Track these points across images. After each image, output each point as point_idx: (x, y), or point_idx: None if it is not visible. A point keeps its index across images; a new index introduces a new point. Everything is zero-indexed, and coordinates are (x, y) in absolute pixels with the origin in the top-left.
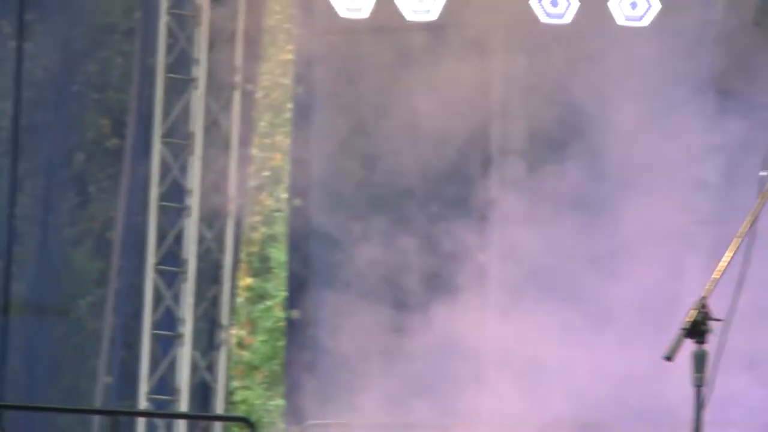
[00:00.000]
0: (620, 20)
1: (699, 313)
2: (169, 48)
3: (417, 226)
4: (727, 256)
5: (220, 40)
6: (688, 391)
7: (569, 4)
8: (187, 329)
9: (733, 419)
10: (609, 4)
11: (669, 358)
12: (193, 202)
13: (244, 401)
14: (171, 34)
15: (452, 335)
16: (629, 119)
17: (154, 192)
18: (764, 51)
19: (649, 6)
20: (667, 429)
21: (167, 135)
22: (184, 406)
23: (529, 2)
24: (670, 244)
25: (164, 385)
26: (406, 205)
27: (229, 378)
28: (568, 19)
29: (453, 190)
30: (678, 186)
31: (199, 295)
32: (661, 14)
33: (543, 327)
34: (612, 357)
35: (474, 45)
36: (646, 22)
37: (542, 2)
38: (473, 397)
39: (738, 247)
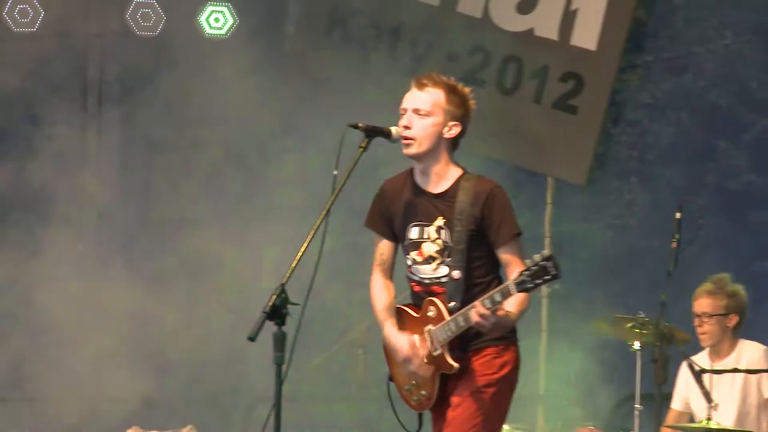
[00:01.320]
0: (207, 32)
1: (278, 297)
2: None
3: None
4: (304, 246)
5: None
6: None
7: (156, 17)
8: None
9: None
10: (199, 18)
11: (252, 339)
12: None
13: None
14: None
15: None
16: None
17: None
18: (333, 65)
19: (229, 20)
20: (247, 402)
21: None
22: None
23: (127, 16)
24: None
25: None
26: None
27: None
28: (156, 30)
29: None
30: (257, 180)
31: None
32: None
33: (123, 294)
34: (194, 332)
35: (74, 51)
36: (227, 34)
37: (129, 16)
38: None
39: (313, 239)
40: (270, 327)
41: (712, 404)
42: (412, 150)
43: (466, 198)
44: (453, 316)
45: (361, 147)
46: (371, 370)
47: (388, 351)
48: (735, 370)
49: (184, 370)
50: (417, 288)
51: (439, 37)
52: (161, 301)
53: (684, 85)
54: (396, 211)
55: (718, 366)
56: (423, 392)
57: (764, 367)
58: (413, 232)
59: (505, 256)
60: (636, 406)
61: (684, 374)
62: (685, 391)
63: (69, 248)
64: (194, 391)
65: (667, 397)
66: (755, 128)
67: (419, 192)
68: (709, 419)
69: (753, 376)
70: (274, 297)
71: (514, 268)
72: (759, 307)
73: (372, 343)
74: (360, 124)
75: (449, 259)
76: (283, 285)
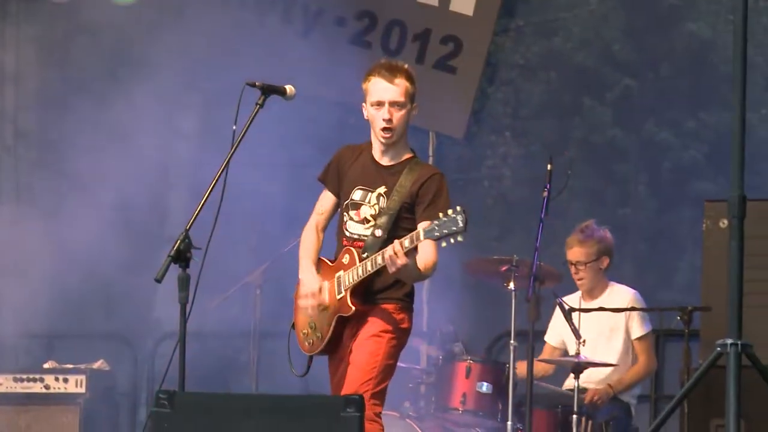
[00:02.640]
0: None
1: (182, 242)
2: None
3: None
4: (205, 195)
5: None
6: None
7: None
8: None
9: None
10: None
11: (158, 280)
12: None
13: None
14: None
15: None
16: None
17: None
18: (230, 27)
19: None
20: (155, 338)
21: None
22: None
23: None
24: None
25: None
26: None
27: None
28: None
29: None
30: (161, 135)
31: None
32: None
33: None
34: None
35: None
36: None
37: None
38: None
39: (213, 188)
40: (175, 269)
41: (581, 340)
42: (393, 140)
43: (411, 175)
44: (365, 260)
45: (257, 104)
46: (267, 308)
47: (296, 298)
48: (601, 309)
49: (95, 308)
50: (345, 242)
51: (329, 3)
52: (69, 236)
53: (553, 48)
54: (347, 173)
55: (590, 306)
56: (318, 334)
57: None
58: (357, 194)
59: None
60: (511, 342)
61: (559, 312)
62: (560, 328)
63: None
64: (105, 328)
65: (540, 334)
66: (618, 87)
67: (372, 162)
68: (577, 353)
69: (621, 319)
70: (179, 242)
71: (427, 242)
72: (622, 250)
73: (267, 283)
74: (257, 83)
75: (378, 220)
76: (186, 230)
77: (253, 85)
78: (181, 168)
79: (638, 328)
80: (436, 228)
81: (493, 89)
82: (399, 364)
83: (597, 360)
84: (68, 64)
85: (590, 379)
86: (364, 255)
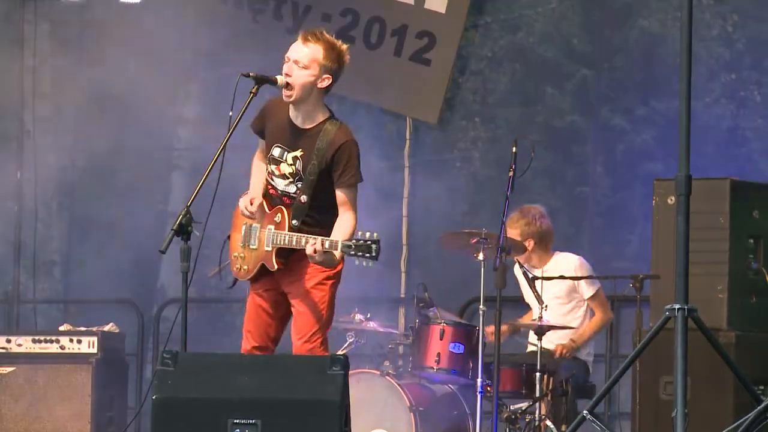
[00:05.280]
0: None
1: (184, 217)
2: None
3: None
4: (204, 175)
5: None
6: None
7: None
8: None
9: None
10: None
11: (163, 252)
12: None
13: None
14: None
15: None
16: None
17: None
18: (227, 25)
19: None
20: (159, 303)
21: None
22: None
23: None
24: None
25: None
26: None
27: None
28: None
29: None
30: (165, 121)
31: None
32: None
33: None
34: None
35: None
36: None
37: None
38: None
39: (211, 169)
40: (177, 242)
41: (543, 305)
42: (292, 99)
43: (325, 140)
44: (294, 234)
45: (251, 92)
46: None
47: (236, 213)
48: (561, 277)
49: (107, 276)
50: (272, 191)
51: (316, 1)
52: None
53: (518, 42)
54: (269, 128)
55: (537, 273)
56: (245, 267)
57: (578, 273)
58: (275, 151)
59: (340, 197)
60: (480, 307)
61: (518, 278)
62: (523, 291)
63: None
64: (115, 294)
65: (505, 300)
66: (576, 77)
67: (290, 122)
68: (540, 318)
69: (571, 283)
70: (181, 217)
71: (345, 209)
72: (579, 224)
73: None
74: (251, 74)
75: (300, 184)
76: (188, 207)
77: (248, 76)
78: (182, 150)
79: (588, 288)
80: (353, 246)
81: (464, 79)
82: (379, 328)
83: (556, 322)
84: (80, 56)
85: (550, 339)
86: (294, 222)
